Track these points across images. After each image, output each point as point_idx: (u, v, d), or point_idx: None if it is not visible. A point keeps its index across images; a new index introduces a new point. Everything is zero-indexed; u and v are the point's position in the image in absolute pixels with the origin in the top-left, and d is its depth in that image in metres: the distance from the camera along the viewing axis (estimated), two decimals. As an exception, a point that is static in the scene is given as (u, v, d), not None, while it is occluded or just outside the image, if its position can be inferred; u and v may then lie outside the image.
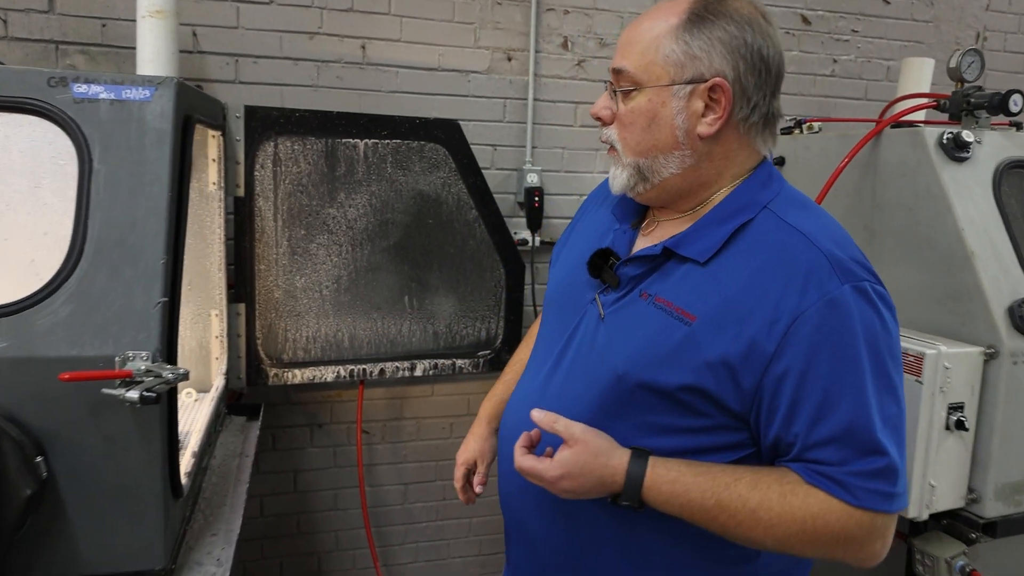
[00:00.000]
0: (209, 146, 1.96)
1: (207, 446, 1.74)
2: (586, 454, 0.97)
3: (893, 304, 0.98)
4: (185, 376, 1.13)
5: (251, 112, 2.02)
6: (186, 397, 2.00)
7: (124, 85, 1.30)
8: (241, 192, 2.04)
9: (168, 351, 1.21)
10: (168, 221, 1.24)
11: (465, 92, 2.53)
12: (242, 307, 2.08)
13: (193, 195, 1.97)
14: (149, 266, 1.21)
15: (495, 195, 2.38)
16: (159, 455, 1.18)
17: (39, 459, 1.10)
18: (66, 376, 1.06)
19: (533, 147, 2.63)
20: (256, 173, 2.05)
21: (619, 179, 1.07)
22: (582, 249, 1.16)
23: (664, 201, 1.09)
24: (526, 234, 2.52)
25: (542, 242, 2.56)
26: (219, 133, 1.92)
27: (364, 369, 2.23)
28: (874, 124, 1.88)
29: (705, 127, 1.00)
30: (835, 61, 2.97)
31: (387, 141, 2.17)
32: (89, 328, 1.16)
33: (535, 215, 2.49)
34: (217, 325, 2.04)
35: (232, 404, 2.12)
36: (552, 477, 0.98)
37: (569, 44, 2.66)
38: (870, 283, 0.95)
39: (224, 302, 2.02)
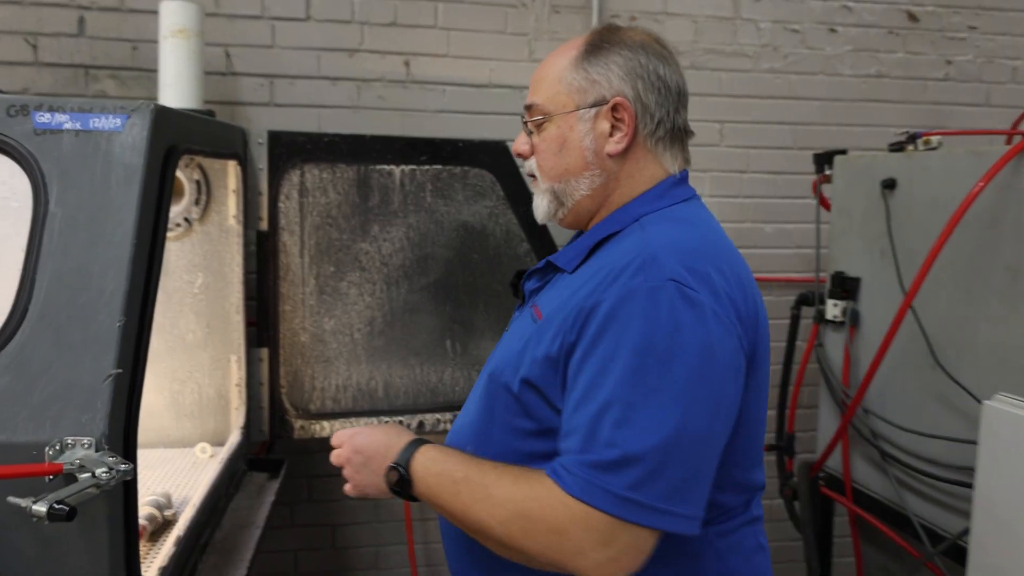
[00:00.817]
0: (228, 176, 1.78)
1: (210, 516, 1.54)
2: (372, 436, 1.06)
3: (718, 308, 0.92)
4: (130, 473, 0.92)
5: (275, 138, 1.83)
6: (200, 453, 1.81)
7: (92, 113, 1.10)
8: (264, 225, 1.85)
9: (124, 436, 1.00)
10: (130, 274, 1.04)
11: (517, 110, 2.28)
12: (265, 352, 1.89)
13: (212, 230, 1.80)
14: (103, 329, 1.01)
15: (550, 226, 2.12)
16: (107, 562, 0.97)
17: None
18: (-17, 471, 0.85)
19: (594, 170, 2.36)
20: (280, 204, 1.86)
21: (540, 207, 1.13)
22: None
23: (581, 225, 1.14)
24: (585, 268, 2.25)
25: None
26: (236, 162, 1.73)
27: (401, 421, 2.00)
28: (1008, 136, 1.53)
29: (613, 145, 1.06)
30: (949, 63, 2.58)
31: (426, 167, 1.95)
32: (25, 407, 0.96)
33: (595, 247, 2.22)
34: (237, 372, 1.86)
35: (255, 459, 1.92)
36: (347, 451, 1.06)
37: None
38: (680, 283, 0.91)
39: (243, 347, 1.83)
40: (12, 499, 0.83)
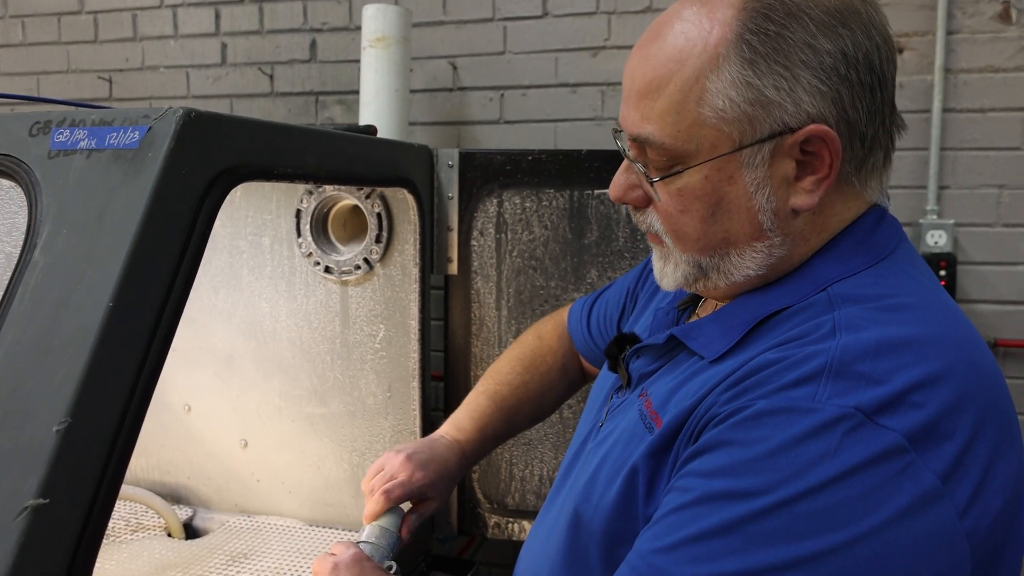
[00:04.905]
0: (409, 208, 1.44)
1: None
2: None
3: (939, 489, 0.59)
4: None
5: (466, 158, 1.45)
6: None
7: (112, 126, 0.81)
8: (454, 269, 1.47)
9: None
10: (91, 358, 0.70)
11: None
12: (453, 427, 1.50)
13: (394, 273, 1.47)
14: (36, 435, 0.68)
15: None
16: None
17: None
18: None
19: (941, 187, 1.59)
20: (473, 243, 1.47)
21: (669, 276, 0.80)
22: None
23: (735, 295, 0.78)
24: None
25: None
26: (408, 191, 1.38)
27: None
28: None
29: (804, 197, 0.70)
30: None
31: (666, 190, 1.41)
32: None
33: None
34: (419, 449, 1.50)
35: (440, 557, 1.54)
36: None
37: (1014, 13, 1.56)
38: (875, 423, 0.59)
39: (419, 421, 1.47)
40: None
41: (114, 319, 0.72)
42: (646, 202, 0.77)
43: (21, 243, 0.80)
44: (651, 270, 1.05)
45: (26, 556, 0.65)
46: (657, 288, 1.02)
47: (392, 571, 0.96)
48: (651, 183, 0.73)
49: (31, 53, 2.20)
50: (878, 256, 0.73)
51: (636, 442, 0.76)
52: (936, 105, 1.59)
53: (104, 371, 0.71)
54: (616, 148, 0.78)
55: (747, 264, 0.74)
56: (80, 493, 0.69)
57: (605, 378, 0.98)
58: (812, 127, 0.67)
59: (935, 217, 1.61)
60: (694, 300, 0.90)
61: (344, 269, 1.48)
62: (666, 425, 0.73)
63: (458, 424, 1.13)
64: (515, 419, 1.17)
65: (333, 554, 0.95)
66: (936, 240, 1.59)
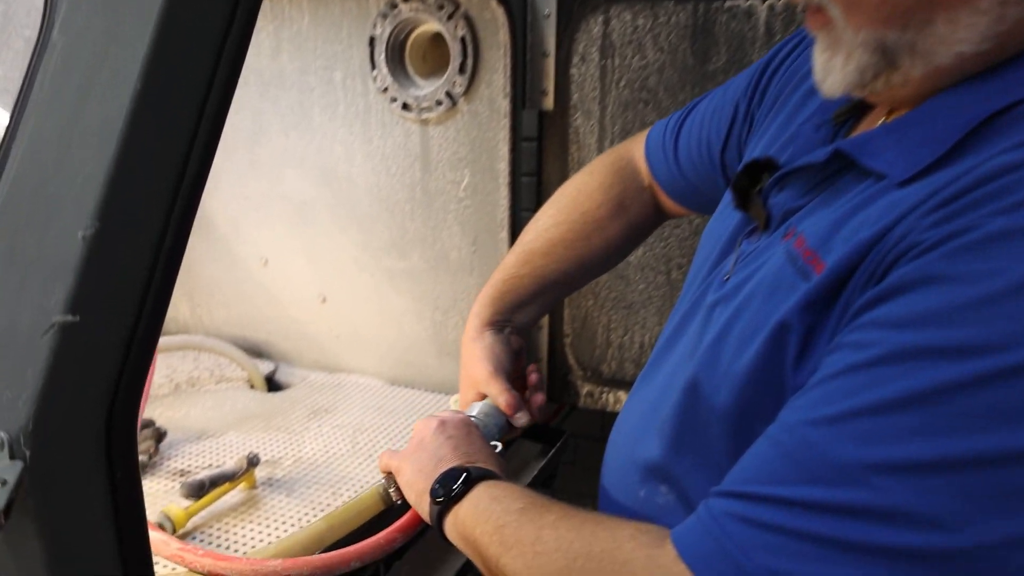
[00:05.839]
0: (499, 30, 1.24)
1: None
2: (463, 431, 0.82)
3: None
4: None
5: (566, -33, 1.23)
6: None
7: None
8: (549, 103, 1.28)
9: (93, 439, 0.57)
10: (120, 151, 0.57)
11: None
12: (544, 285, 1.36)
13: (481, 109, 1.30)
14: (59, 241, 0.56)
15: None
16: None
17: None
18: None
19: None
20: (573, 71, 1.27)
21: (837, 73, 0.59)
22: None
23: (931, 93, 0.57)
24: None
25: None
26: (496, 3, 1.17)
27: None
28: None
29: None
30: None
31: None
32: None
33: None
34: (507, 308, 1.37)
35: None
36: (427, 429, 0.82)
37: None
38: None
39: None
40: None
41: (143, 106, 0.58)
42: None
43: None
44: (765, 80, 0.84)
45: (58, 378, 0.54)
46: (784, 102, 0.79)
47: (498, 450, 0.85)
48: None
49: None
50: None
51: (784, 293, 0.59)
52: None
53: (134, 170, 0.57)
54: None
55: (961, 36, 0.53)
56: (117, 313, 0.57)
57: (724, 221, 0.79)
58: None
59: None
60: (855, 111, 0.69)
61: (424, 105, 1.31)
62: (831, 267, 0.55)
63: (482, 310, 0.98)
64: (548, 272, 0.98)
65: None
66: None
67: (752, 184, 0.71)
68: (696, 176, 0.93)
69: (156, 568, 0.89)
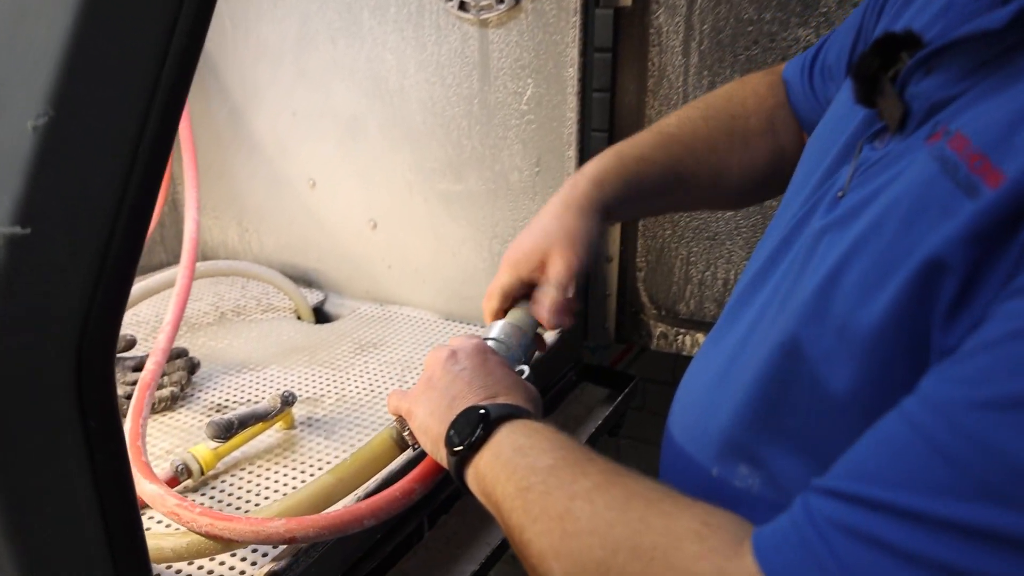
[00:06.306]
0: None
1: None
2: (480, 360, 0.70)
3: None
4: None
5: None
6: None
7: None
8: None
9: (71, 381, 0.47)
10: (83, 9, 0.44)
11: None
12: (616, 212, 1.21)
13: (547, 8, 1.13)
14: (5, 135, 0.45)
15: None
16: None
17: None
18: None
19: None
20: (657, -39, 1.08)
21: None
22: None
23: None
24: None
25: None
26: None
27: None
28: None
29: None
30: None
31: None
32: None
33: None
34: (573, 238, 1.23)
35: (593, 367, 1.31)
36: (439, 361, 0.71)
37: None
38: None
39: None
40: None
41: (110, -42, 0.44)
42: None
43: None
44: None
45: (6, 311, 0.43)
46: None
47: (524, 376, 0.72)
48: None
49: None
50: None
51: (934, 215, 0.42)
52: None
53: (98, 44, 0.45)
54: None
55: None
56: (82, 225, 0.45)
57: (837, 123, 0.62)
58: None
59: None
60: None
61: (484, 3, 1.15)
62: (1014, 178, 0.38)
63: (599, 184, 0.78)
64: (683, 168, 0.80)
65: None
66: None
67: (884, 68, 0.54)
68: (828, 95, 0.76)
69: (154, 524, 0.80)
